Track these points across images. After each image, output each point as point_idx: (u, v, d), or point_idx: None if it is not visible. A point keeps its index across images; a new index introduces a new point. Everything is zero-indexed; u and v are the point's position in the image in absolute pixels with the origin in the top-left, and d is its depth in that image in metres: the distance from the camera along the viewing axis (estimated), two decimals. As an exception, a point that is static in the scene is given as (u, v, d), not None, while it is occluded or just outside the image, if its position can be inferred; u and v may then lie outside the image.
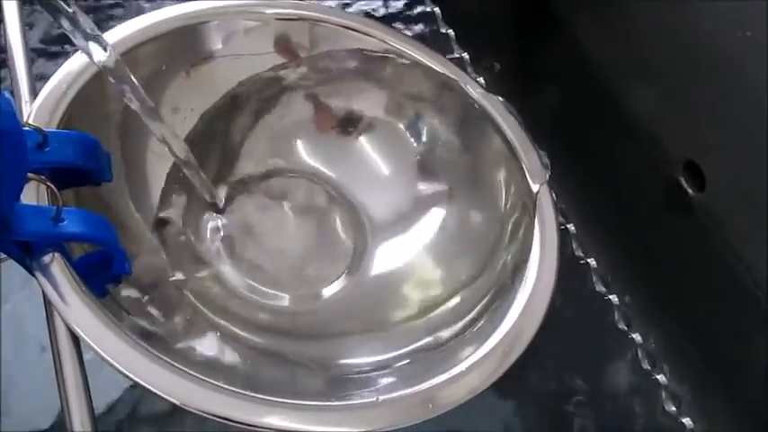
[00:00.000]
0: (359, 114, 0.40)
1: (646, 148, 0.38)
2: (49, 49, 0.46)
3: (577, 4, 0.42)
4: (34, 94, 0.31)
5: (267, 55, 0.39)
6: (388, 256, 0.38)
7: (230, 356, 0.32)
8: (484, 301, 0.33)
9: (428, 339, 0.33)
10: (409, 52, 0.39)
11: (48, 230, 0.27)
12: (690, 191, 0.36)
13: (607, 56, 0.40)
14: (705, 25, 0.34)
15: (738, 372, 0.36)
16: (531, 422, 0.39)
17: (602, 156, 0.42)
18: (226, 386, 0.26)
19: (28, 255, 0.27)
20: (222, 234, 0.37)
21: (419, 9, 0.53)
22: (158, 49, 0.36)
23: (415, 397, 0.28)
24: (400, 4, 0.53)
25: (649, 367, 0.40)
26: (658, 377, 0.40)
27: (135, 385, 0.26)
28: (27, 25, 0.41)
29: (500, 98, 0.38)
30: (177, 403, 0.25)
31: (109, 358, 0.25)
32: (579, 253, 0.44)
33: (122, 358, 0.26)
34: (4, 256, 0.27)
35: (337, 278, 0.37)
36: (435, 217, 0.39)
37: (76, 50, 0.32)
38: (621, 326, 0.42)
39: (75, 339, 0.26)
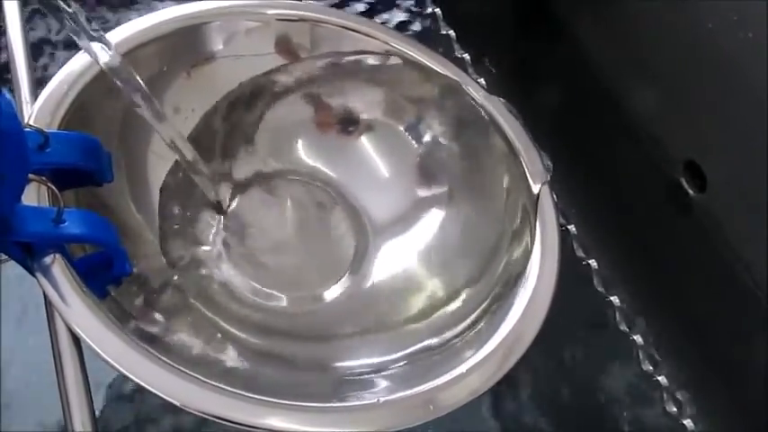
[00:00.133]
0: (360, 115, 0.40)
1: (646, 149, 0.38)
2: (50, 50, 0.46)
3: (578, 4, 0.42)
4: (35, 94, 0.31)
5: (268, 56, 0.39)
6: (388, 258, 0.38)
7: (231, 357, 0.32)
8: (485, 303, 0.33)
9: (429, 341, 0.33)
10: (410, 53, 0.39)
11: (48, 231, 0.27)
12: (690, 191, 0.36)
13: (608, 56, 0.40)
14: (706, 25, 0.34)
15: (738, 372, 0.36)
16: (532, 423, 0.39)
17: (603, 156, 0.42)
18: (226, 387, 0.26)
19: (29, 256, 0.27)
20: (223, 235, 0.37)
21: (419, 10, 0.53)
22: (160, 50, 0.36)
23: (416, 398, 0.28)
24: (401, 5, 0.53)
25: (650, 368, 0.40)
26: (659, 378, 0.40)
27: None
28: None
29: (501, 99, 0.38)
30: (177, 404, 0.25)
31: (109, 359, 0.26)
32: (580, 254, 0.44)
33: (123, 359, 0.26)
34: (4, 256, 0.27)
35: (338, 280, 0.37)
36: (436, 218, 0.39)
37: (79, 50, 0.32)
38: (623, 327, 0.42)
39: (76, 340, 0.26)
